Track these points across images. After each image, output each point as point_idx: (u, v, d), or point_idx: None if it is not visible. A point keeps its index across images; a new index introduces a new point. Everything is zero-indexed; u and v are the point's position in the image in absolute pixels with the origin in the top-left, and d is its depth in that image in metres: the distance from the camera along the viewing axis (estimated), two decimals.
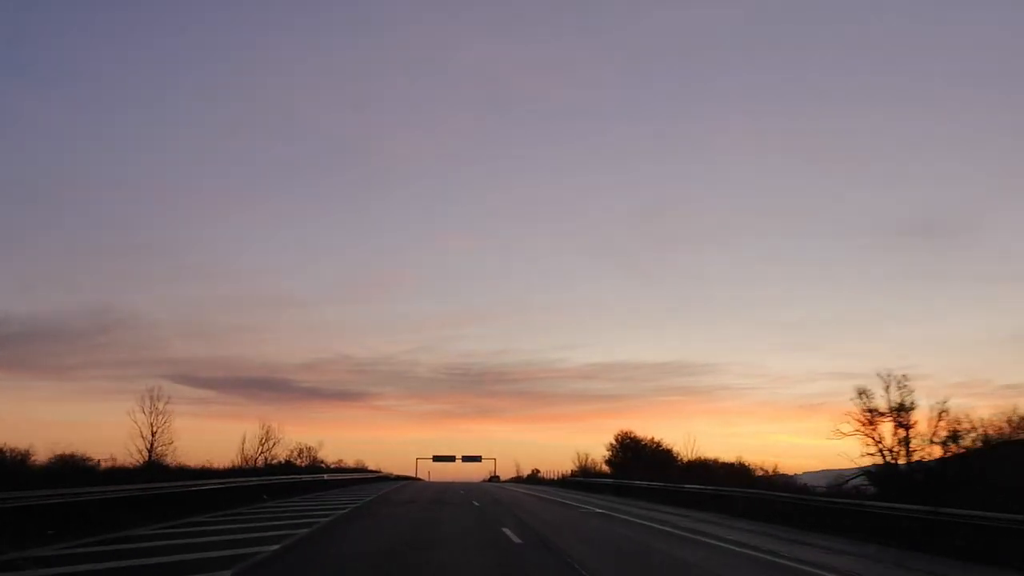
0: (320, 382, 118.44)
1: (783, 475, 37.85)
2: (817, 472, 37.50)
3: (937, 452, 20.67)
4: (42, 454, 28.14)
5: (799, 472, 42.29)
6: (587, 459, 61.39)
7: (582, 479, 54.85)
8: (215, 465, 38.82)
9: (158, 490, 20.20)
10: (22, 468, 24.83)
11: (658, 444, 54.21)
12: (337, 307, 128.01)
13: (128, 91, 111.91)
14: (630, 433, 57.59)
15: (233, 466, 45.89)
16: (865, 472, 24.15)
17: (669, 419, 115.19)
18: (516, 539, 15.45)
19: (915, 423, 21.09)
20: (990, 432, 20.18)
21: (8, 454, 26.59)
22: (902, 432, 21.27)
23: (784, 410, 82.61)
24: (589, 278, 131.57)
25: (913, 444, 20.90)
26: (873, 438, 21.87)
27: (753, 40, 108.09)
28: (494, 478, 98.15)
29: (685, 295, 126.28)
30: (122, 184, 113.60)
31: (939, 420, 20.52)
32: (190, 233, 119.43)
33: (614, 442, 57.56)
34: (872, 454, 21.91)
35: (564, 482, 61.04)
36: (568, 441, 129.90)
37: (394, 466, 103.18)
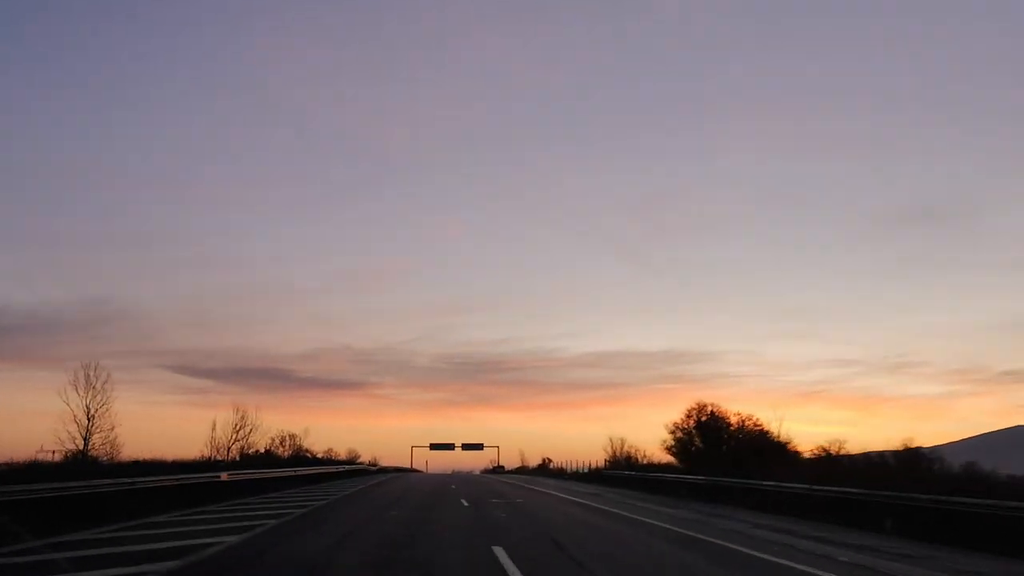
0: (320, 371, 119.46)
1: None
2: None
3: None
4: None
5: None
6: (623, 446, 50.04)
7: (625, 473, 40.10)
8: (168, 458, 31.96)
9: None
10: None
11: (756, 426, 35.37)
12: (337, 297, 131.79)
13: (129, 82, 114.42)
14: (711, 408, 37.12)
15: (198, 458, 39.33)
16: None
17: (666, 407, 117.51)
18: None
19: None
20: None
21: None
22: None
23: (782, 397, 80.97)
24: (588, 267, 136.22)
25: None
26: None
27: (753, 31, 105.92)
28: (498, 468, 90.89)
29: (683, 284, 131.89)
30: (122, 175, 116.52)
31: None
32: (190, 224, 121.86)
33: (683, 421, 37.45)
34: None
35: (598, 476, 46.67)
36: (569, 429, 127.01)
37: (392, 456, 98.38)
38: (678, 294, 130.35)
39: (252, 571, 9.68)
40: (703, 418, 36.35)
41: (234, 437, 44.23)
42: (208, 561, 10.22)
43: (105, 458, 26.98)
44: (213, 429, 42.60)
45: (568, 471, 59.00)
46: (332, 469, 47.51)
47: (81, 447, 28.36)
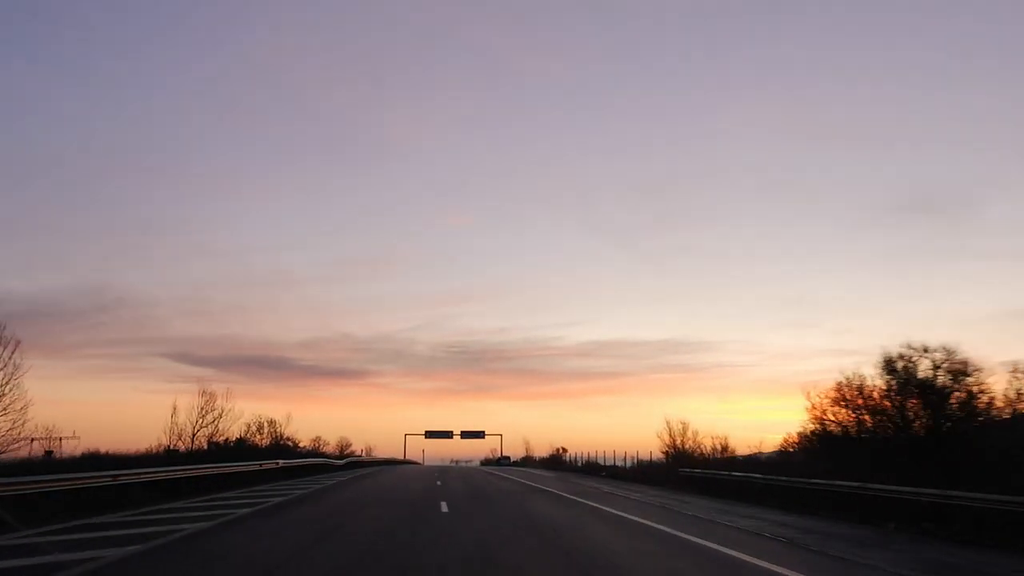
0: (319, 360, 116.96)
1: None
2: None
3: None
4: None
5: None
6: (684, 433, 37.42)
7: (733, 475, 25.61)
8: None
9: None
10: None
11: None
12: (336, 285, 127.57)
13: (129, 70, 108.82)
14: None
15: (146, 451, 33.04)
16: None
17: (666, 397, 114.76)
18: None
19: None
20: None
21: None
22: None
23: (782, 387, 74.93)
24: (588, 256, 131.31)
25: None
26: None
27: (752, 17, 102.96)
28: (502, 460, 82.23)
29: (683, 273, 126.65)
30: (121, 163, 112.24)
31: None
32: (189, 211, 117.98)
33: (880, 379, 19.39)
34: None
35: (661, 475, 33.53)
36: (575, 418, 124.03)
37: (389, 445, 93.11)
38: (679, 283, 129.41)
39: None
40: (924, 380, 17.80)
41: (199, 423, 37.65)
42: None
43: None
44: (173, 414, 35.95)
45: (602, 464, 48.73)
46: (289, 463, 36.28)
47: None
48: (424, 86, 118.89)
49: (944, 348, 17.82)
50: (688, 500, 22.70)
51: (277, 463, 34.03)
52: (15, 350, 21.60)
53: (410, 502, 19.85)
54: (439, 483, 30.84)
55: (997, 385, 16.89)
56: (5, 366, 21.86)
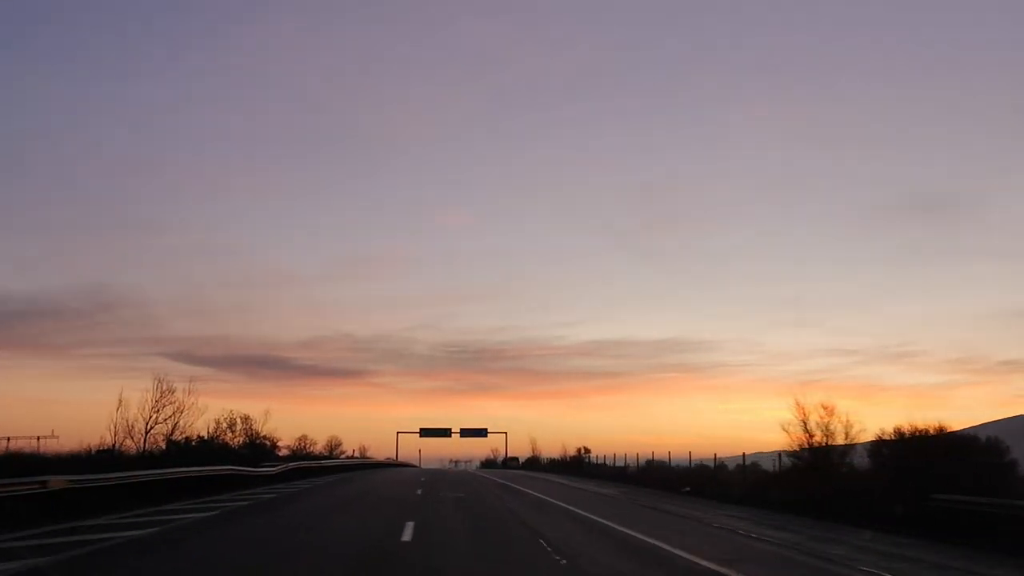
0: (319, 359, 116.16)
1: None
2: None
3: None
4: None
5: None
6: (829, 422, 22.74)
7: None
8: None
9: None
10: None
11: None
12: (336, 285, 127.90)
13: (128, 69, 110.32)
14: None
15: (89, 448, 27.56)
16: None
17: (666, 396, 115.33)
18: None
19: None
20: None
21: None
22: None
23: (782, 386, 76.13)
24: (588, 255, 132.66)
25: None
26: None
27: (752, 19, 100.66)
28: (509, 461, 74.30)
29: (683, 272, 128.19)
30: (121, 162, 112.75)
31: None
32: (189, 211, 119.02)
33: None
34: None
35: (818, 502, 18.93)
36: (580, 418, 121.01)
37: (386, 445, 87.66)
38: (678, 283, 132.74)
39: None
40: None
41: (154, 418, 31.74)
42: None
43: None
44: (119, 408, 30.05)
45: (659, 470, 35.89)
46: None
47: None
48: (424, 86, 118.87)
49: None
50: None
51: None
52: None
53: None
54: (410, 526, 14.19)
55: None
56: None
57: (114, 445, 29.68)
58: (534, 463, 67.34)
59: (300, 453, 48.22)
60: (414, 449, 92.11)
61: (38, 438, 38.40)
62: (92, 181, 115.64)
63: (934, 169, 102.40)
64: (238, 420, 40.26)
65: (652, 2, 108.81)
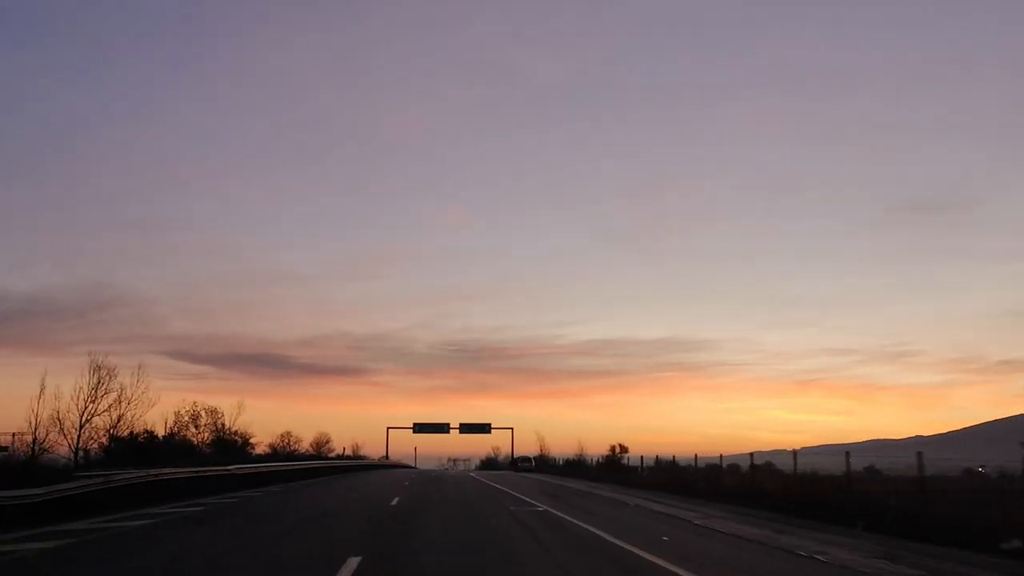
0: (318, 358, 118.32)
1: None
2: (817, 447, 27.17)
3: None
4: None
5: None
6: None
7: None
8: None
9: None
10: None
11: None
12: (336, 283, 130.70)
13: (129, 70, 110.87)
14: None
15: None
16: None
17: (665, 396, 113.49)
18: None
19: None
20: None
21: None
22: None
23: (780, 385, 68.66)
24: (587, 255, 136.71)
25: None
26: None
27: (752, 20, 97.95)
28: (521, 462, 64.08)
29: (683, 272, 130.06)
30: (120, 160, 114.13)
31: None
32: (189, 210, 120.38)
33: None
34: None
35: None
36: (575, 417, 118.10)
37: (383, 443, 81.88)
38: (678, 282, 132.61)
39: None
40: None
41: (91, 410, 25.65)
42: None
43: None
44: (40, 394, 24.04)
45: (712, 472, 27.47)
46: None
47: None
48: (424, 87, 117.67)
49: None
50: None
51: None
52: None
53: None
54: None
55: None
56: None
57: (34, 442, 23.63)
58: (545, 464, 60.67)
59: (281, 452, 42.00)
60: (410, 448, 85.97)
61: (13, 435, 32.65)
62: (92, 180, 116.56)
63: (934, 170, 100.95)
64: (202, 413, 34.01)
65: (652, 3, 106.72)
